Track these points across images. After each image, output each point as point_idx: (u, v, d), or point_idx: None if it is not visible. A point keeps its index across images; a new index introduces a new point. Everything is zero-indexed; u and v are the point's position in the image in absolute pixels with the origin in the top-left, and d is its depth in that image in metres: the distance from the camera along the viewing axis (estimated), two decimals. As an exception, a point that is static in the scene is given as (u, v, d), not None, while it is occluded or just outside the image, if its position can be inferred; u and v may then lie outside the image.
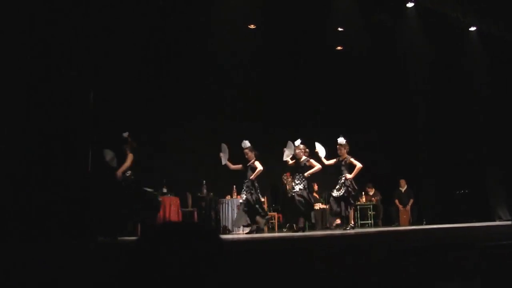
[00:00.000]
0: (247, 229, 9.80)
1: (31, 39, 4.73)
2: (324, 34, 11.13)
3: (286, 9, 9.88)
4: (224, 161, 8.69)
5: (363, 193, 12.50)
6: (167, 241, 1.87)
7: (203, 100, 10.25)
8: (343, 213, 8.79)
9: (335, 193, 8.88)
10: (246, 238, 6.66)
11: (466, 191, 12.26)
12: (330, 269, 3.09)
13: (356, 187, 8.93)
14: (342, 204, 8.73)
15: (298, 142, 8.74)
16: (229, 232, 9.55)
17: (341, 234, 7.19)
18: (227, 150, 8.74)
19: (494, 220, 11.69)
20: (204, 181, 9.72)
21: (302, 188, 8.55)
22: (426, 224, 11.60)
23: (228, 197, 9.98)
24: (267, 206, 11.01)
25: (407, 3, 10.94)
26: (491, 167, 12.22)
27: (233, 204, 9.77)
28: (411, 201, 12.19)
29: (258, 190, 8.56)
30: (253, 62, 10.89)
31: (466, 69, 12.06)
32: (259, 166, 8.53)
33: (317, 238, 6.05)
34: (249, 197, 8.40)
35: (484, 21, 11.23)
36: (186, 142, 10.08)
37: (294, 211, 8.66)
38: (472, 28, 11.78)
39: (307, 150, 8.78)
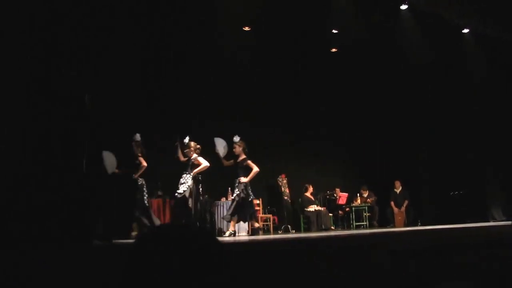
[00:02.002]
0: (244, 232, 9.82)
1: (31, 39, 4.71)
2: (319, 35, 11.15)
3: (282, 10, 9.87)
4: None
5: (357, 194, 12.54)
6: (165, 244, 1.86)
7: (198, 103, 10.23)
8: (226, 217, 8.32)
9: (231, 198, 8.40)
10: (242, 240, 6.64)
11: (461, 192, 12.31)
12: (328, 270, 3.09)
13: (250, 193, 8.19)
14: (231, 207, 8.18)
15: (187, 139, 8.28)
16: (224, 234, 9.52)
17: (335, 235, 7.18)
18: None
19: (489, 221, 11.75)
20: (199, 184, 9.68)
21: (186, 188, 7.93)
22: (421, 225, 11.64)
23: (223, 199, 9.96)
24: (262, 208, 11.02)
25: (401, 5, 11.00)
26: (486, 168, 12.28)
27: (228, 207, 9.74)
28: (406, 202, 12.23)
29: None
30: (250, 63, 10.88)
31: (463, 70, 12.10)
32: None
33: (313, 239, 6.04)
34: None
35: (479, 22, 11.29)
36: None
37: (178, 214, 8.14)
38: (465, 30, 11.86)
39: (198, 147, 8.24)
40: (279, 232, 10.84)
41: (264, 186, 11.68)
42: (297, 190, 11.76)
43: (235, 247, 4.49)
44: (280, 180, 11.55)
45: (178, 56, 10.07)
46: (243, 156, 8.32)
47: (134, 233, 7.32)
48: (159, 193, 9.22)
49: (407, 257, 3.18)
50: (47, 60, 4.68)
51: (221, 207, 9.78)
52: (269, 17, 9.96)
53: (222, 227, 9.63)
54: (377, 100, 12.67)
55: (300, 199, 11.67)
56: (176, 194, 7.95)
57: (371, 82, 12.35)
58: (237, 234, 9.57)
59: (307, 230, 11.17)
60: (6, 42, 4.58)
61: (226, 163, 8.45)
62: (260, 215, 10.77)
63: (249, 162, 8.27)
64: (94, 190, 5.25)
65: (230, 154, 8.59)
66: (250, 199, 8.24)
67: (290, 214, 11.49)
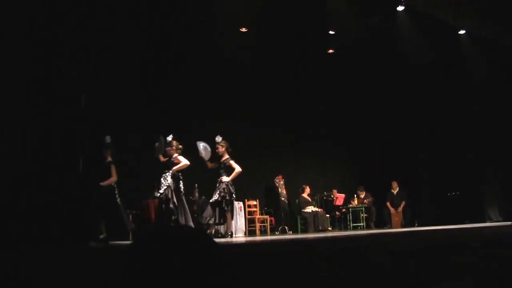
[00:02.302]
0: (240, 233, 9.81)
1: (31, 40, 4.71)
2: (318, 36, 11.17)
3: (282, 11, 9.88)
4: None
5: (354, 195, 12.55)
6: (163, 245, 1.86)
7: (195, 104, 10.22)
8: (216, 221, 8.06)
9: (212, 198, 8.10)
10: (239, 241, 6.65)
11: (458, 193, 12.34)
12: (325, 272, 3.10)
13: (233, 192, 8.02)
14: (217, 210, 7.99)
15: (170, 138, 8.04)
16: (221, 235, 9.52)
17: (333, 236, 7.18)
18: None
19: (485, 222, 11.78)
20: (196, 185, 9.69)
21: (166, 187, 7.70)
22: (418, 226, 11.66)
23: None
24: (259, 209, 11.02)
25: (398, 6, 11.03)
26: (483, 169, 12.32)
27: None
28: (403, 203, 12.24)
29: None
30: (249, 63, 10.88)
31: (461, 71, 12.13)
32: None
33: (310, 240, 6.05)
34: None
35: (476, 23, 11.33)
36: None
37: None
38: (462, 32, 11.89)
39: (180, 147, 8.02)
40: (276, 233, 10.84)
41: (261, 187, 11.69)
42: (294, 191, 11.76)
43: (232, 248, 4.50)
44: (277, 181, 11.55)
45: (178, 56, 10.06)
46: (226, 156, 8.17)
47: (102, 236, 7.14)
48: (156, 194, 9.19)
49: (404, 258, 3.19)
50: (47, 60, 4.69)
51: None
52: (269, 17, 9.97)
53: (218, 228, 9.62)
54: (374, 101, 12.69)
55: (297, 200, 11.67)
56: (157, 194, 7.77)
57: (369, 83, 12.37)
58: (234, 235, 9.58)
59: (304, 231, 11.17)
60: (6, 42, 4.58)
61: (210, 165, 8.29)
62: (257, 216, 10.78)
63: (232, 162, 8.09)
64: (93, 190, 5.27)
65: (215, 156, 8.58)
66: (231, 199, 8.07)
67: (287, 215, 11.49)
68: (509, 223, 9.25)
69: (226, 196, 7.93)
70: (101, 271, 2.62)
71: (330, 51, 12.06)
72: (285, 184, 11.64)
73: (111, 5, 6.81)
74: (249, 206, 10.76)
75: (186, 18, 9.67)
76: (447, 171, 12.21)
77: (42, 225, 4.20)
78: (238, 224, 9.77)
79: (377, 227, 12.24)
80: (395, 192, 12.54)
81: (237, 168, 8.03)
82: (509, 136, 11.86)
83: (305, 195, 11.64)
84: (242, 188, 10.71)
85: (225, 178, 7.99)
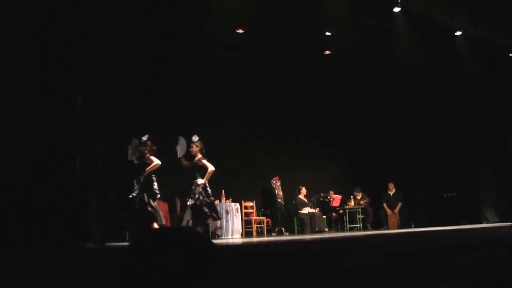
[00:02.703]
0: (237, 234, 9.78)
1: (31, 40, 4.68)
2: (315, 37, 11.15)
3: (280, 12, 9.85)
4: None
5: (351, 197, 12.54)
6: (160, 247, 1.84)
7: (193, 104, 10.20)
8: (194, 223, 7.83)
9: (189, 202, 7.94)
10: (235, 242, 6.61)
11: (454, 194, 12.34)
12: (322, 273, 3.07)
13: (209, 193, 7.86)
14: (195, 213, 7.82)
15: (145, 137, 7.87)
16: (218, 237, 9.49)
17: (329, 237, 7.17)
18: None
19: (482, 223, 11.79)
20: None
21: (139, 191, 7.57)
22: (415, 227, 11.66)
23: (217, 202, 9.91)
24: (256, 210, 11.00)
25: (394, 7, 11.02)
26: (479, 169, 12.32)
27: (221, 209, 9.71)
28: (400, 204, 12.24)
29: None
30: (246, 64, 10.87)
31: (456, 73, 12.14)
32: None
33: (307, 241, 6.03)
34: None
35: (472, 25, 11.34)
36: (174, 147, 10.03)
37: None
38: (458, 33, 11.89)
39: (154, 147, 7.85)
40: (273, 234, 10.83)
41: (257, 188, 11.68)
42: (290, 192, 11.75)
43: (228, 250, 4.48)
44: (274, 182, 11.53)
45: (178, 56, 10.03)
46: (199, 156, 8.02)
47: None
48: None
49: (403, 259, 3.17)
50: (47, 60, 4.66)
51: (215, 210, 9.73)
52: (269, 17, 9.93)
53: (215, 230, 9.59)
54: (371, 102, 12.69)
55: (293, 201, 11.65)
56: (130, 196, 7.60)
57: (365, 84, 12.36)
58: (230, 236, 9.56)
59: (301, 232, 11.16)
60: (6, 43, 4.55)
61: (184, 163, 8.12)
62: (254, 217, 10.76)
63: (204, 161, 7.95)
64: (90, 190, 5.24)
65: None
66: (210, 201, 7.91)
67: (283, 216, 11.47)
68: (509, 223, 9.24)
69: (204, 200, 7.79)
70: (100, 271, 2.59)
71: (327, 52, 12.03)
72: (282, 185, 11.62)
73: (110, 5, 6.78)
74: (246, 207, 10.74)
75: (185, 18, 9.64)
76: (443, 172, 12.20)
77: (41, 225, 4.18)
78: (235, 225, 9.76)
79: (374, 228, 12.24)
80: (391, 193, 12.54)
81: (210, 168, 7.88)
82: (505, 137, 11.87)
83: (301, 196, 11.64)
84: (239, 189, 10.74)
85: (200, 181, 7.85)
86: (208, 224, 9.53)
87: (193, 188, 7.92)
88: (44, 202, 4.27)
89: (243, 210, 10.54)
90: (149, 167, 7.63)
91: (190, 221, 7.86)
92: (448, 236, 5.52)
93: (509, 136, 11.89)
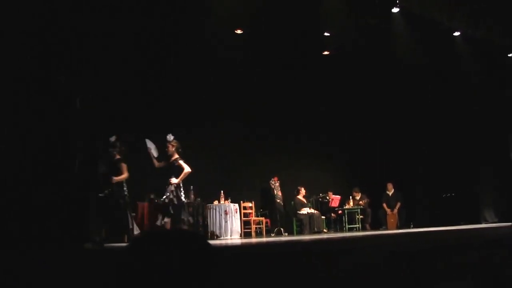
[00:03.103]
0: (236, 235, 9.78)
1: (31, 40, 4.69)
2: (315, 38, 11.16)
3: (280, 12, 9.86)
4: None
5: (350, 197, 12.55)
6: (157, 249, 1.84)
7: (189, 106, 10.20)
8: (158, 223, 7.63)
9: (158, 200, 7.86)
10: (235, 243, 6.62)
11: (453, 194, 12.35)
12: (321, 273, 3.07)
13: (180, 196, 7.64)
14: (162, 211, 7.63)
15: (113, 138, 7.64)
16: (217, 237, 9.51)
17: (328, 238, 7.17)
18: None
19: (481, 223, 11.80)
20: (192, 187, 9.64)
21: (107, 191, 7.35)
22: (414, 227, 11.67)
23: (216, 202, 9.93)
24: (255, 211, 11.01)
25: (393, 8, 11.03)
26: (478, 170, 12.33)
27: (220, 210, 9.73)
28: (399, 204, 12.24)
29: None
30: (245, 65, 10.87)
31: (457, 72, 12.15)
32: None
33: (306, 242, 6.04)
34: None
35: (471, 25, 11.35)
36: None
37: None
38: (457, 33, 11.91)
39: (123, 148, 7.65)
40: (272, 235, 10.83)
41: (256, 188, 11.68)
42: (289, 193, 11.75)
43: (228, 250, 4.48)
44: (273, 183, 11.53)
45: (177, 56, 10.04)
46: (175, 156, 7.80)
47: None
48: (151, 196, 9.17)
49: (403, 259, 3.17)
50: (47, 60, 4.66)
51: (214, 210, 9.75)
52: (269, 18, 9.93)
53: (214, 230, 9.60)
54: (370, 103, 12.70)
55: (292, 202, 11.65)
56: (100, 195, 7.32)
57: (364, 84, 12.38)
58: (222, 236, 9.56)
59: (300, 233, 11.16)
60: (6, 42, 4.55)
61: (157, 164, 7.94)
62: (253, 218, 10.76)
63: (181, 162, 7.73)
64: (92, 191, 5.25)
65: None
66: (178, 203, 7.64)
67: (282, 217, 11.47)
68: (508, 224, 9.25)
69: (173, 200, 7.58)
70: (99, 271, 2.60)
71: (326, 52, 12.04)
72: (281, 185, 11.63)
73: (110, 5, 6.78)
74: (245, 207, 10.75)
75: (185, 18, 9.64)
76: (442, 172, 12.21)
77: (41, 225, 4.18)
78: (234, 225, 9.77)
79: (373, 228, 12.24)
80: (390, 193, 12.54)
81: (186, 169, 7.68)
82: (505, 137, 11.88)
83: (300, 196, 11.63)
84: (238, 190, 10.74)
85: (173, 180, 7.63)
86: (207, 225, 9.54)
87: (166, 187, 7.69)
88: (44, 202, 4.27)
89: (242, 211, 10.54)
90: (180, 177, 7.58)
91: (164, 221, 7.63)
92: (447, 236, 5.52)
93: (509, 136, 11.89)
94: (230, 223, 9.71)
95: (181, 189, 7.68)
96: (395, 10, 11.04)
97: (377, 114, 12.83)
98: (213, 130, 10.63)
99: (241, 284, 2.61)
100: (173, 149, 7.79)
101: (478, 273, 3.03)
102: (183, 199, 7.67)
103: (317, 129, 12.51)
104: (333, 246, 5.05)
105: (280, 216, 11.38)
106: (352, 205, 12.37)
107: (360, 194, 12.64)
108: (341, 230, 12.14)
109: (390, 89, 12.40)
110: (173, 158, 7.80)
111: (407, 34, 11.14)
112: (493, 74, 12.11)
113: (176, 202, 7.54)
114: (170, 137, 7.85)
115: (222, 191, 9.99)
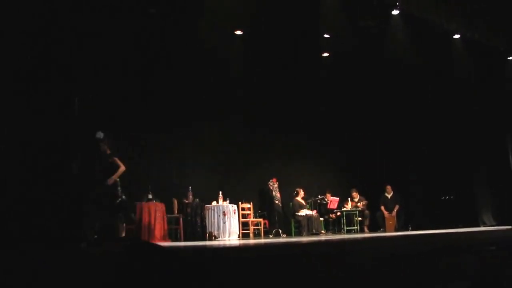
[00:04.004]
0: (234, 236, 9.78)
1: (30, 40, 4.69)
2: (314, 39, 11.16)
3: (279, 13, 9.86)
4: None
5: (348, 199, 12.54)
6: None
7: (188, 106, 10.20)
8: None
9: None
10: (232, 244, 6.62)
11: (452, 196, 12.36)
12: (319, 274, 3.08)
13: (119, 194, 7.29)
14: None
15: (100, 134, 7.37)
16: (215, 238, 9.50)
17: (326, 240, 7.17)
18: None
19: (479, 226, 11.80)
20: (190, 187, 9.66)
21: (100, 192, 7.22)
22: (412, 230, 11.67)
23: (214, 203, 9.92)
24: (253, 212, 11.01)
25: (392, 10, 11.03)
26: (477, 173, 12.34)
27: (219, 210, 9.72)
28: (397, 207, 12.24)
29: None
30: (244, 67, 10.88)
31: (455, 74, 12.15)
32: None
33: (304, 243, 6.04)
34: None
35: (469, 27, 11.37)
36: (172, 148, 10.05)
37: None
38: (456, 36, 11.92)
39: (108, 141, 7.42)
40: (270, 236, 10.82)
41: (255, 190, 11.67)
42: (288, 194, 11.74)
43: (225, 252, 4.48)
44: (271, 184, 11.52)
45: (177, 57, 10.04)
46: (109, 153, 7.50)
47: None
48: (149, 196, 9.15)
49: (403, 260, 3.18)
50: (47, 60, 4.66)
51: (212, 211, 9.74)
52: (268, 18, 9.94)
53: (212, 230, 9.59)
54: (368, 104, 12.72)
55: (291, 203, 11.65)
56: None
57: (363, 86, 12.40)
58: (220, 237, 9.55)
59: (298, 234, 11.15)
60: (6, 42, 4.55)
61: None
62: (251, 219, 10.76)
63: (115, 159, 7.42)
64: (89, 190, 5.25)
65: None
66: (121, 200, 7.35)
67: (281, 218, 11.46)
68: (506, 227, 9.26)
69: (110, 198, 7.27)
70: (99, 271, 2.60)
71: (325, 54, 12.05)
72: (279, 187, 11.62)
73: (110, 5, 6.79)
74: (243, 209, 10.75)
75: (185, 18, 9.64)
76: (440, 175, 12.22)
77: (41, 225, 4.18)
78: (232, 226, 9.76)
79: (371, 230, 12.24)
80: (389, 195, 12.54)
81: (121, 167, 7.39)
82: (503, 140, 11.89)
83: (299, 198, 11.63)
84: (236, 191, 10.74)
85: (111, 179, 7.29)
86: (205, 226, 9.51)
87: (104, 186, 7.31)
88: (44, 202, 4.27)
89: (240, 212, 10.53)
90: (116, 175, 7.32)
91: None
92: (445, 239, 5.53)
93: (506, 140, 11.91)
94: (229, 224, 9.70)
95: (118, 186, 7.33)
96: (395, 12, 11.04)
97: (376, 115, 12.85)
98: (212, 130, 10.64)
99: (240, 284, 2.61)
100: (106, 147, 7.46)
101: (478, 273, 3.04)
102: (123, 197, 7.36)
103: (316, 130, 12.50)
104: (331, 248, 5.05)
105: (278, 217, 11.37)
106: (350, 207, 12.36)
107: (358, 196, 12.63)
108: (339, 232, 12.13)
109: (389, 90, 12.42)
110: (109, 156, 7.46)
111: (407, 35, 11.13)
112: (491, 76, 12.12)
113: (107, 203, 7.22)
114: (99, 135, 7.35)
115: (220, 192, 9.98)
